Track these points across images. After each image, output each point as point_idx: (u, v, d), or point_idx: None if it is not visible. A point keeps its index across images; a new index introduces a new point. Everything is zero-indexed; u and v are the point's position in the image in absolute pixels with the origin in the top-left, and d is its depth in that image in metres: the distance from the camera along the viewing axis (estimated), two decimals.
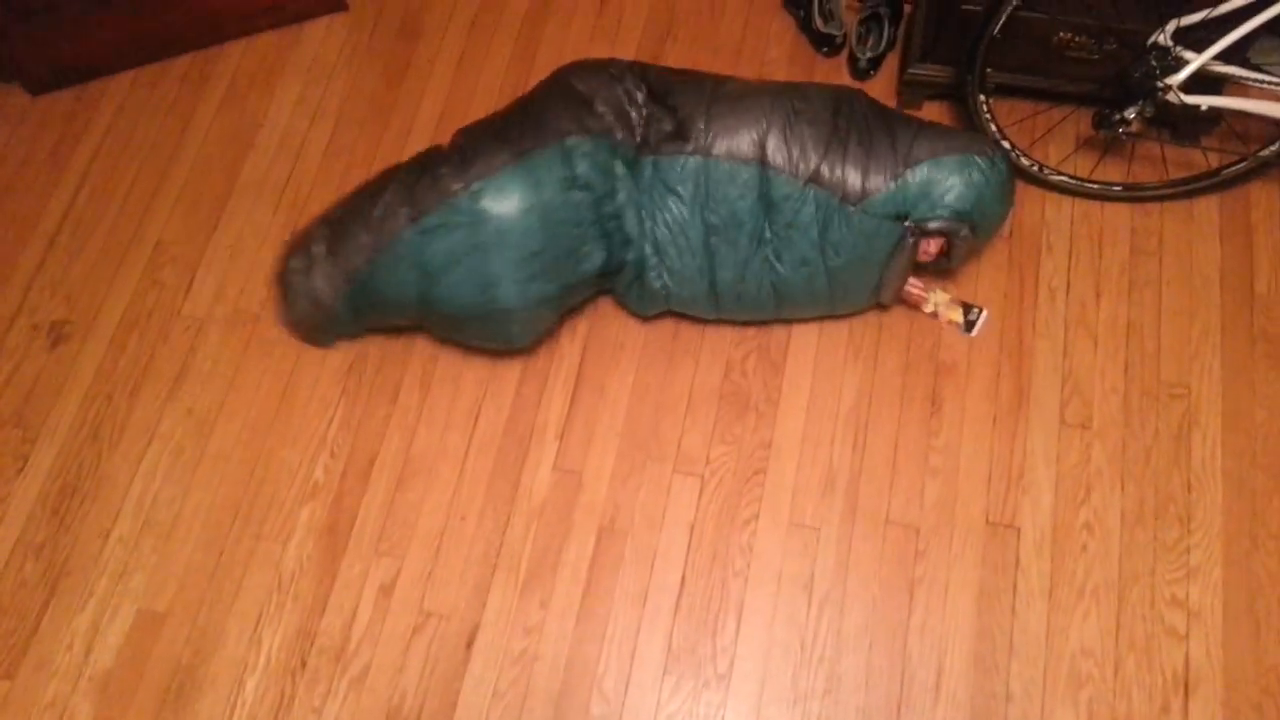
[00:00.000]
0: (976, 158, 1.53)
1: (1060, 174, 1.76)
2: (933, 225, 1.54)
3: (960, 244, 1.59)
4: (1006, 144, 1.73)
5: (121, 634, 1.61)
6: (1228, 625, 1.49)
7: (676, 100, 1.60)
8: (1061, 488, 1.58)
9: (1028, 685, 1.47)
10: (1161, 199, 1.77)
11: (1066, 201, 1.79)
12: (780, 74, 1.95)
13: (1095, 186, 1.77)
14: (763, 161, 1.55)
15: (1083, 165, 1.81)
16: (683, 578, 1.59)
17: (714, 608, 1.56)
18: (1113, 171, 1.80)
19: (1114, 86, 1.63)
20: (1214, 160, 1.72)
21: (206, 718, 1.54)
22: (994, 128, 1.72)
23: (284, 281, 1.72)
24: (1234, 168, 1.68)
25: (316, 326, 1.75)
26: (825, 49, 1.97)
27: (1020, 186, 1.80)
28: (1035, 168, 1.76)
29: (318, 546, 1.64)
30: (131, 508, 1.69)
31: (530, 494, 1.66)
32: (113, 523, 1.68)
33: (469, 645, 1.56)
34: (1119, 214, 1.77)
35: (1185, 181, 1.74)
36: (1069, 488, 1.58)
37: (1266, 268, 1.71)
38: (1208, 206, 1.77)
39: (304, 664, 1.57)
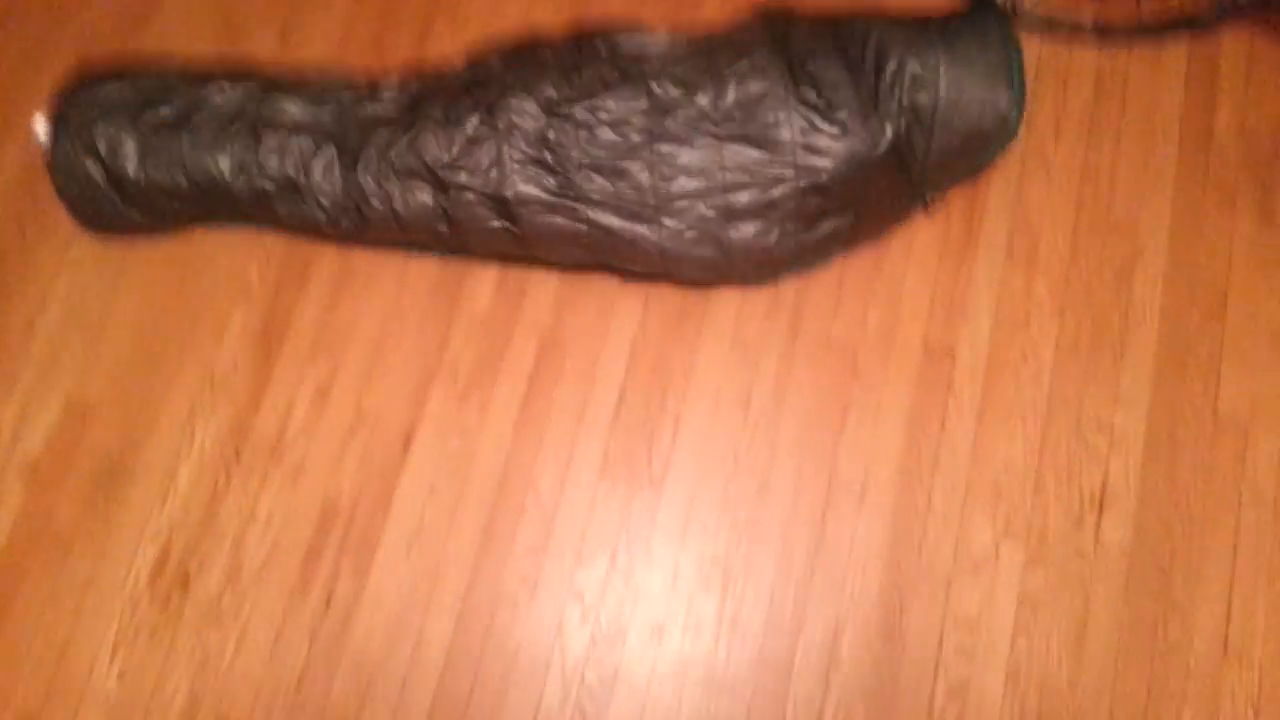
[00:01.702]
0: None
1: (1030, 14, 2.08)
2: None
3: None
4: None
5: (50, 422, 1.92)
6: (1148, 450, 1.86)
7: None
8: (1001, 317, 1.93)
9: (949, 497, 1.83)
10: (1130, 45, 2.10)
11: (1034, 41, 2.11)
12: None
13: (1064, 28, 2.09)
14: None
15: (1055, 4, 2.12)
16: (622, 392, 1.92)
17: (652, 420, 1.90)
18: (1083, 13, 2.12)
19: None
20: (1188, 5, 2.05)
21: (139, 503, 1.87)
22: None
23: None
24: (1206, 16, 2.01)
25: None
26: None
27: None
28: (1007, 4, 2.07)
29: (252, 346, 1.95)
30: (60, 295, 1.99)
31: (473, 302, 1.98)
32: (39, 311, 1.98)
33: (406, 445, 1.89)
34: (1085, 57, 2.10)
35: (1156, 27, 2.07)
36: (1008, 317, 1.93)
37: (1226, 117, 2.05)
38: (1176, 55, 2.10)
39: (238, 456, 1.89)
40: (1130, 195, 2.02)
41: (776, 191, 1.78)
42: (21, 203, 2.05)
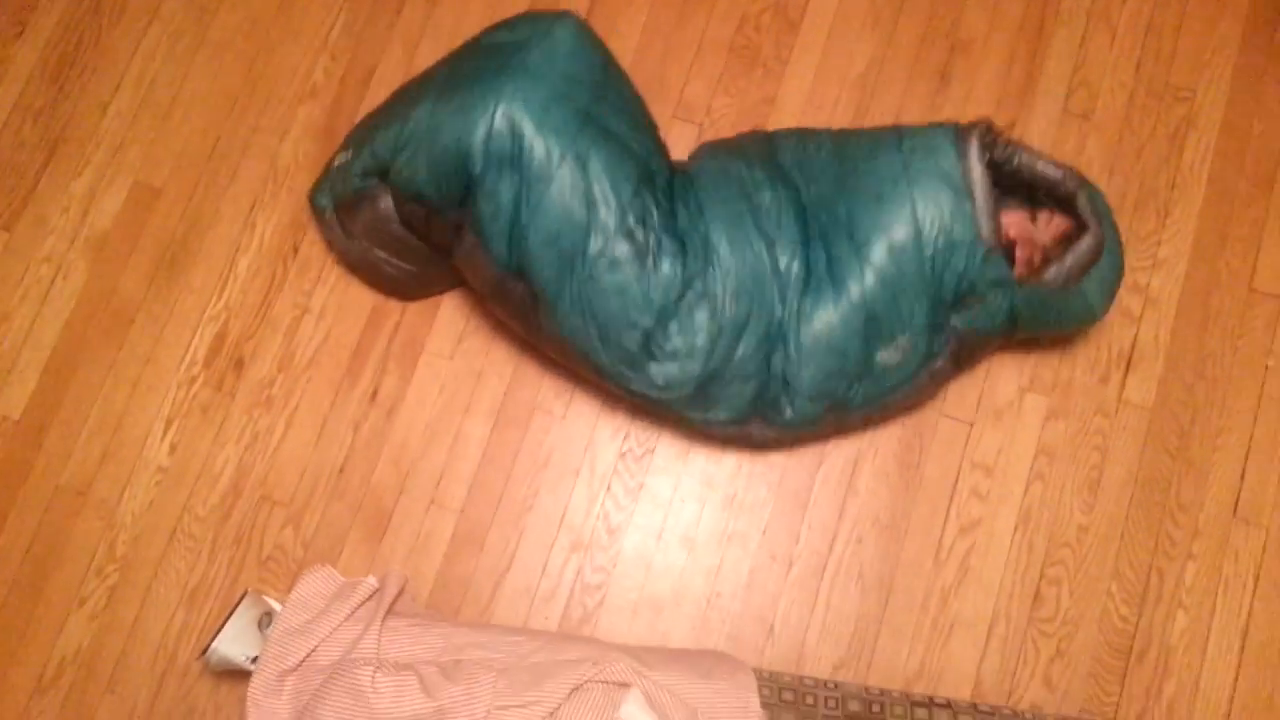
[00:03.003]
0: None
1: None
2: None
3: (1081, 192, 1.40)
4: None
5: (117, 202, 1.64)
6: (1180, 314, 1.56)
7: None
8: None
9: None
10: None
11: None
12: None
13: None
14: None
15: None
16: None
17: None
18: None
19: None
20: None
21: (199, 286, 1.61)
22: None
23: None
24: None
25: None
26: None
27: None
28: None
29: (315, 144, 1.65)
30: (130, 84, 1.68)
31: None
32: (111, 97, 1.68)
33: None
34: None
35: None
36: None
37: None
38: None
39: (295, 251, 1.62)
40: (1192, 60, 1.65)
41: None
42: None
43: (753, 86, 1.68)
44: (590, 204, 1.32)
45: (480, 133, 1.30)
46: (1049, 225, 1.42)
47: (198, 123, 1.67)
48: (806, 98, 1.66)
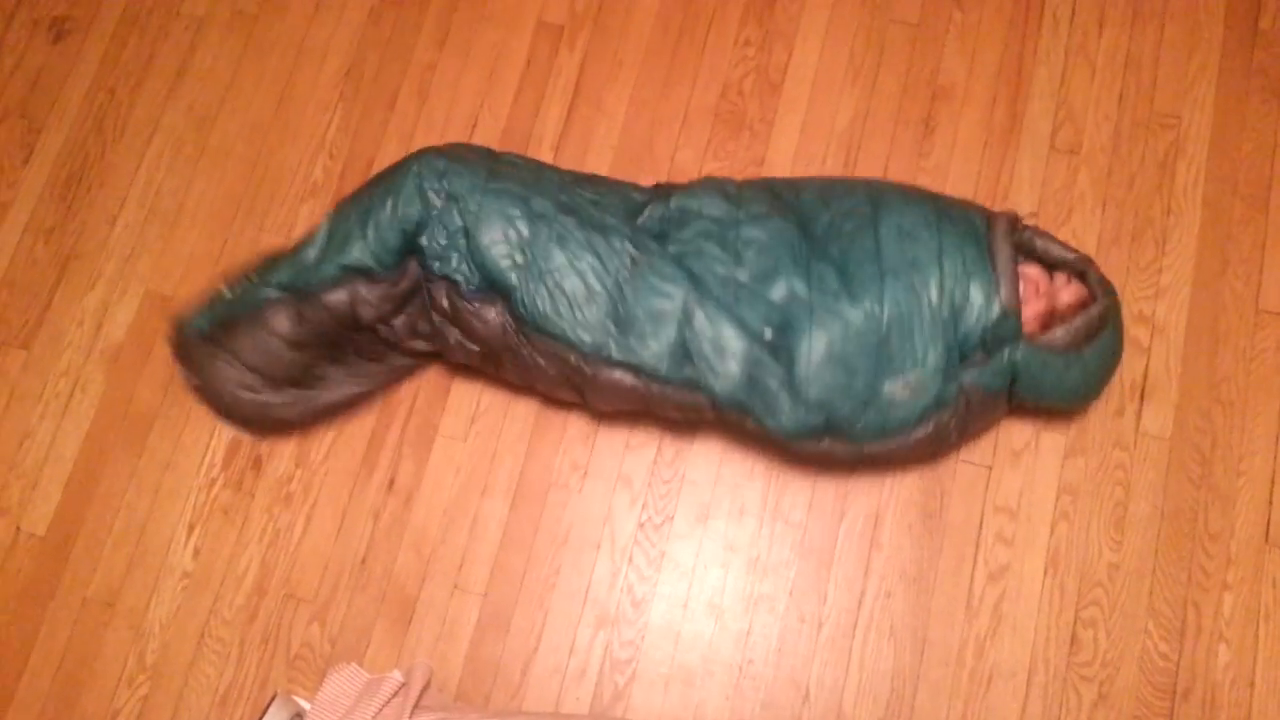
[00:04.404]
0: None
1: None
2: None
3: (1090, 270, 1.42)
4: None
5: (130, 312, 1.64)
6: (1189, 340, 1.51)
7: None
8: (1043, 209, 1.57)
9: None
10: None
11: None
12: None
13: None
14: None
15: None
16: None
17: None
18: None
19: None
20: None
21: None
22: None
23: None
24: None
25: None
26: None
27: None
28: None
29: None
30: (136, 196, 1.69)
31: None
32: (119, 210, 1.68)
33: None
34: None
35: None
36: (1051, 209, 1.57)
37: (1273, 5, 1.64)
38: None
39: None
40: (1173, 86, 1.63)
41: None
42: (99, 100, 1.74)
43: (741, 149, 1.66)
44: (525, 199, 1.44)
45: (410, 186, 1.43)
46: (1065, 287, 1.42)
47: (204, 228, 1.67)
48: (794, 156, 1.64)
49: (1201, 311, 1.52)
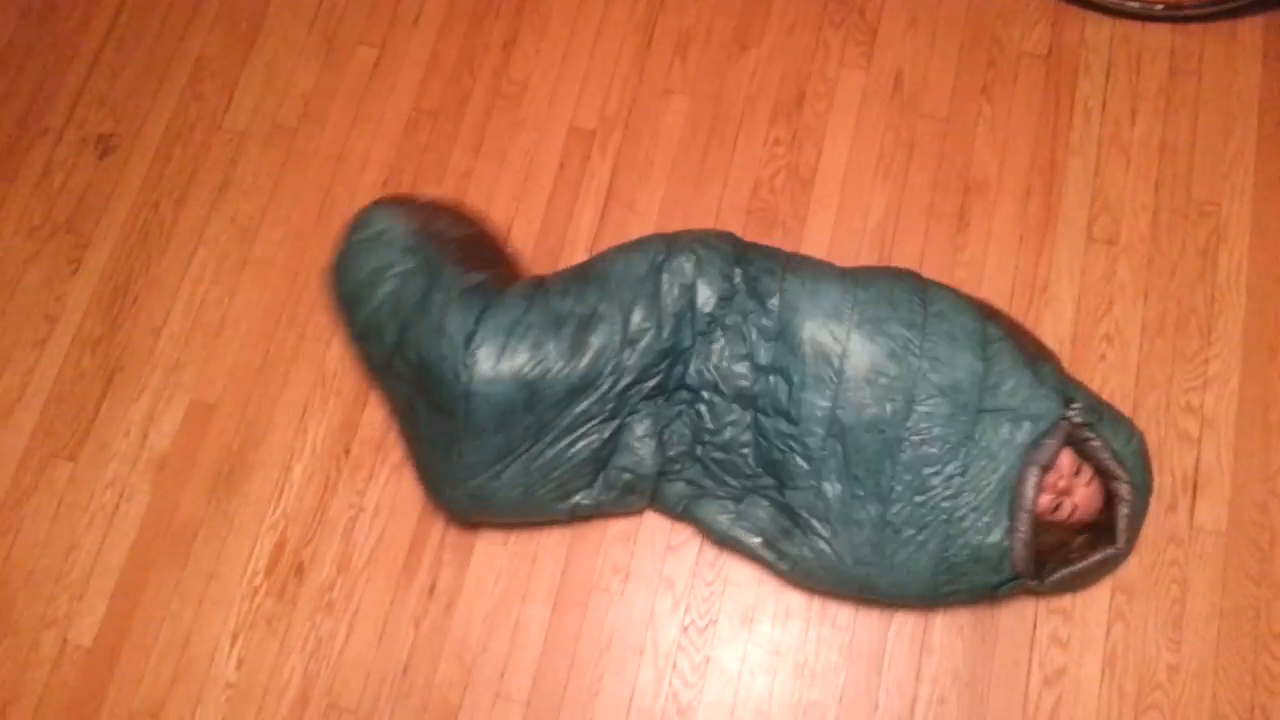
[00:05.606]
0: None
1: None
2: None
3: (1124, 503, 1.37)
4: None
5: (175, 422, 1.65)
6: (1240, 432, 1.47)
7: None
8: (1084, 301, 1.55)
9: None
10: (1205, 19, 1.68)
11: (1106, 21, 1.69)
12: None
13: (1136, 6, 1.68)
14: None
15: None
16: None
17: None
18: None
19: None
20: None
21: (256, 498, 1.59)
22: None
23: None
24: None
25: None
26: None
27: (1058, 7, 1.71)
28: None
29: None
30: (181, 307, 1.71)
31: None
32: (164, 321, 1.70)
33: None
34: (1160, 34, 1.68)
35: (1230, 2, 1.64)
36: (1091, 301, 1.55)
37: None
38: (1252, 28, 1.67)
39: (348, 452, 1.60)
40: (1210, 173, 1.61)
41: None
42: (144, 214, 1.78)
43: (775, 245, 1.67)
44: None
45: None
46: (1087, 485, 1.37)
47: (247, 337, 1.69)
48: (827, 251, 1.63)
49: (1251, 401, 1.48)
